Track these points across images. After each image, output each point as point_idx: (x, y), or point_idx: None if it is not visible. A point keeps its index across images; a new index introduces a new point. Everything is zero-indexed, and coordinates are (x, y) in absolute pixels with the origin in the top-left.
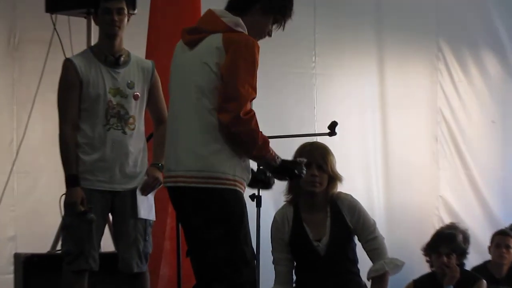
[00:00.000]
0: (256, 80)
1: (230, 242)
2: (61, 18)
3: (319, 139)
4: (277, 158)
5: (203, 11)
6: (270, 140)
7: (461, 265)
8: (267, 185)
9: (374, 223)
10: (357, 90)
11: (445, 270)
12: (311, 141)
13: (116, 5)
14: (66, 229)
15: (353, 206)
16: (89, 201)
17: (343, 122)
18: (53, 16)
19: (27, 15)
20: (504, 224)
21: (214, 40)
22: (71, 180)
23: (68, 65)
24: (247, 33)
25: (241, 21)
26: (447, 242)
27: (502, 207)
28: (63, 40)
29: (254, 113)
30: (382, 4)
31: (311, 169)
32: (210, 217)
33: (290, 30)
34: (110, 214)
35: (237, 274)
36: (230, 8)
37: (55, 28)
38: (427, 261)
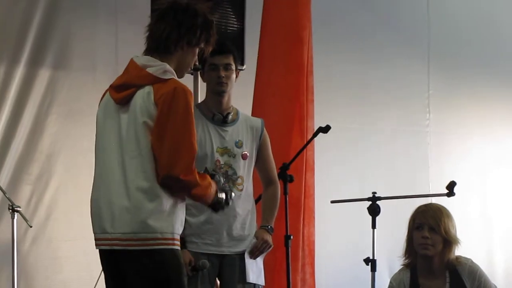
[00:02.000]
0: (194, 129)
1: None
2: None
3: (434, 200)
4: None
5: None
6: (383, 201)
7: None
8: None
9: (495, 287)
10: (476, 148)
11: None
12: (428, 202)
13: (223, 61)
14: None
15: (474, 271)
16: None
17: (461, 182)
18: None
19: None
20: None
21: (146, 96)
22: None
23: None
24: (175, 75)
25: (168, 66)
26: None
27: None
28: None
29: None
30: (500, 54)
31: (423, 231)
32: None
33: (403, 86)
34: (217, 279)
35: None
36: (152, 50)
37: None
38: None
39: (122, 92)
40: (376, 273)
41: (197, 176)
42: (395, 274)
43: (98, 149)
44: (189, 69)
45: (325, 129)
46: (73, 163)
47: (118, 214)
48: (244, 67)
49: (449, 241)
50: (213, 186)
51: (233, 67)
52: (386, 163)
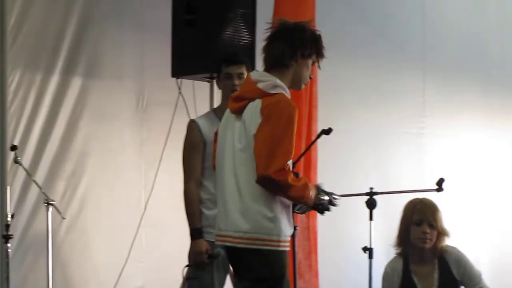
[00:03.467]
0: (293, 138)
1: None
2: (186, 82)
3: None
4: (312, 197)
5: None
6: (379, 195)
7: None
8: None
9: (480, 275)
10: (466, 150)
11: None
12: (421, 197)
13: (237, 70)
14: (190, 279)
15: (460, 259)
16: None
17: (452, 179)
18: (179, 80)
19: (155, 80)
20: None
21: (254, 108)
22: (196, 233)
23: (192, 126)
24: (287, 89)
25: (278, 81)
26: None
27: None
28: (188, 102)
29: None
30: (489, 63)
31: (423, 227)
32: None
33: (399, 92)
34: (231, 266)
35: None
36: (269, 67)
37: (180, 92)
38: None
39: (237, 103)
40: (373, 260)
41: (290, 177)
42: (389, 262)
43: (218, 154)
44: (307, 81)
45: (327, 132)
46: (103, 162)
47: (231, 214)
48: None
49: (442, 234)
50: (312, 188)
51: (245, 76)
52: (383, 161)
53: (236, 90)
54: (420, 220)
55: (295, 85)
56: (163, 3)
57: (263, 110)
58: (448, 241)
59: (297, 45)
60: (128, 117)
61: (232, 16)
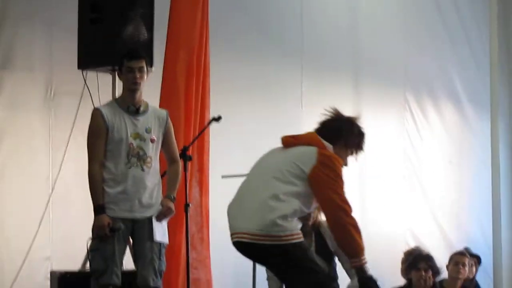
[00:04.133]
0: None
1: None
2: (91, 75)
3: None
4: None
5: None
6: None
7: (434, 283)
8: None
9: None
10: None
11: (421, 283)
12: None
13: (137, 65)
14: (94, 251)
15: None
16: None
17: None
18: (84, 72)
19: (62, 72)
20: (456, 247)
21: (309, 150)
22: (99, 209)
23: (96, 113)
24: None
25: (332, 148)
26: (426, 260)
27: (456, 234)
28: (92, 93)
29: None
30: (360, 58)
31: (312, 213)
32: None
33: (279, 84)
34: (130, 238)
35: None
36: (321, 134)
37: (85, 83)
38: (407, 279)
39: (292, 140)
40: None
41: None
42: None
43: (260, 164)
44: (345, 163)
45: (217, 119)
46: (15, 145)
47: (251, 215)
48: (153, 68)
49: (320, 210)
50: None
51: (145, 69)
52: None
53: (137, 82)
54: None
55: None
56: (70, 2)
57: (321, 158)
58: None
59: (345, 134)
60: (38, 106)
61: (132, 15)
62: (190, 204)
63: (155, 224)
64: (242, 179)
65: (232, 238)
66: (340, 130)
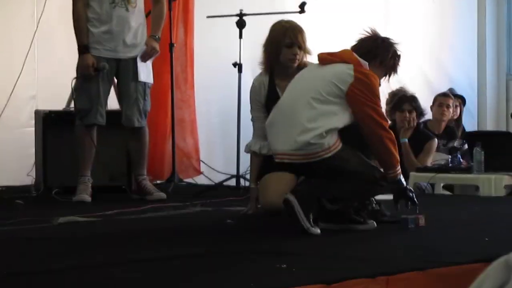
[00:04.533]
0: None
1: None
2: None
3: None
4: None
5: None
6: (249, 16)
7: (418, 124)
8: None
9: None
10: None
11: (405, 124)
12: (287, 20)
13: None
14: (78, 90)
15: None
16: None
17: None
18: None
19: None
20: (440, 90)
21: (345, 68)
22: (83, 48)
23: None
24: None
25: (368, 65)
26: (410, 101)
27: (439, 76)
28: None
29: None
30: None
31: (294, 49)
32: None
33: None
34: (115, 78)
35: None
36: (357, 54)
37: None
38: (391, 120)
39: (328, 56)
40: (242, 74)
41: None
42: (257, 76)
43: (294, 84)
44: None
45: None
46: None
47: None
48: None
49: (306, 53)
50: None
51: None
52: None
53: None
54: (291, 43)
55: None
56: None
57: (357, 75)
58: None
59: (381, 52)
60: None
61: None
62: (175, 44)
63: (140, 64)
64: (227, 19)
65: (275, 158)
66: (376, 48)
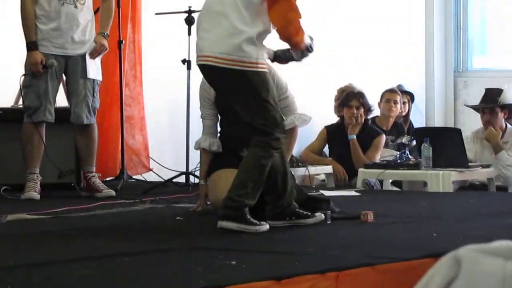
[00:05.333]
0: None
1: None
2: None
3: None
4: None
5: None
6: (196, 14)
7: (366, 120)
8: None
9: (286, 84)
10: None
11: (353, 120)
12: None
13: None
14: (26, 87)
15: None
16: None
17: None
18: None
19: None
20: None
21: None
22: (31, 45)
23: None
24: None
25: None
26: (357, 97)
27: (387, 72)
28: None
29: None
30: None
31: None
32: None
33: None
34: (64, 75)
35: (271, 132)
36: None
37: None
38: (339, 116)
39: None
40: (190, 71)
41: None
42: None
43: None
44: None
45: None
46: None
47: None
48: None
49: None
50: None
51: None
52: None
53: None
54: None
55: None
56: None
57: None
58: None
59: None
60: None
61: None
62: (124, 41)
63: (89, 61)
64: (176, 16)
65: (197, 61)
66: None
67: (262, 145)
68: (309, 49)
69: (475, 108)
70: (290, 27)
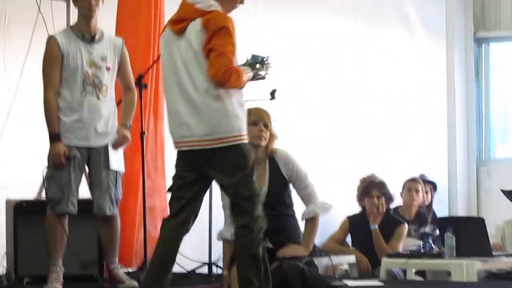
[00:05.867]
0: (234, 42)
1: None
2: (45, 1)
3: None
4: (248, 75)
5: None
6: None
7: (388, 210)
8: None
9: (306, 174)
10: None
11: (374, 211)
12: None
13: None
14: (49, 179)
15: (288, 159)
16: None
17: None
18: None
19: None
20: (409, 177)
21: (196, 25)
22: (54, 137)
23: (51, 40)
24: (220, 8)
25: (212, 1)
26: (378, 187)
27: (411, 162)
28: (46, 20)
29: (234, 67)
30: None
31: (259, 126)
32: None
33: None
34: (86, 167)
35: (253, 208)
36: None
37: (39, 10)
38: (360, 206)
39: (178, 25)
40: None
41: (232, 77)
42: None
43: (166, 72)
44: (236, 5)
45: None
46: None
47: (187, 120)
48: None
49: (273, 135)
50: (245, 72)
51: None
52: None
53: (93, 9)
54: (256, 120)
55: (225, 7)
56: None
57: (205, 25)
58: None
59: None
60: None
61: None
62: (146, 132)
63: (111, 152)
64: None
65: (178, 147)
66: None
67: (245, 233)
68: (256, 79)
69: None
70: (220, 78)
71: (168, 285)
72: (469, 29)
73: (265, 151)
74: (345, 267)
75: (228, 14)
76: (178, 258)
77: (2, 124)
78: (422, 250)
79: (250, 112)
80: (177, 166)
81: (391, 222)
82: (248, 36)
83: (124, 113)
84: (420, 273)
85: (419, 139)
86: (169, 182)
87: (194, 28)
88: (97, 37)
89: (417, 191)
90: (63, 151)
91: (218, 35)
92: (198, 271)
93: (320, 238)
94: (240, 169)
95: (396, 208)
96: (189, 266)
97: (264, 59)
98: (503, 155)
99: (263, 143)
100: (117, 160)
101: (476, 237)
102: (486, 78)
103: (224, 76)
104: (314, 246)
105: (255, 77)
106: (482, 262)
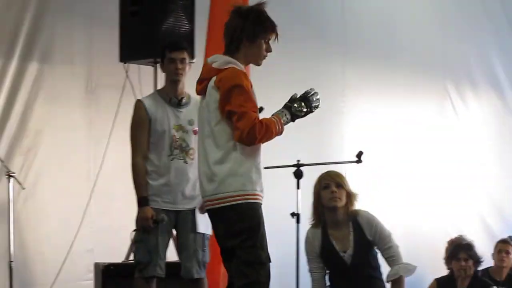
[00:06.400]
0: (251, 96)
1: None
2: (132, 67)
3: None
4: (284, 119)
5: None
6: (305, 167)
7: (476, 271)
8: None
9: (390, 234)
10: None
11: (461, 273)
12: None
13: (179, 56)
14: (137, 242)
15: (371, 220)
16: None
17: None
18: (126, 65)
19: (102, 64)
20: (499, 237)
21: (211, 84)
22: (143, 201)
23: (139, 105)
24: (241, 64)
25: (230, 58)
26: (465, 249)
27: (500, 224)
28: (134, 85)
29: (258, 121)
30: (397, 50)
31: (331, 188)
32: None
33: (320, 76)
34: (174, 230)
35: (254, 274)
36: (225, 52)
37: (127, 75)
38: (448, 269)
39: (200, 84)
40: (300, 225)
41: (258, 133)
42: (310, 228)
43: (198, 133)
44: (262, 57)
45: (260, 110)
46: (56, 139)
47: (202, 182)
48: (194, 60)
49: (350, 195)
50: (277, 122)
51: (187, 60)
52: (308, 137)
53: (179, 73)
54: (327, 184)
55: (250, 62)
56: None
57: (217, 84)
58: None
59: (240, 32)
60: (79, 99)
61: (173, 7)
62: None
63: (198, 215)
64: (283, 170)
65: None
66: (234, 30)
67: None
68: (300, 116)
69: None
70: (246, 140)
71: None
72: None
73: (345, 212)
74: None
75: (261, 66)
76: None
77: (89, 190)
78: None
79: (321, 177)
80: None
81: (479, 284)
82: None
83: None
84: None
85: (509, 197)
86: None
87: (210, 87)
88: (184, 100)
89: (507, 252)
90: (151, 214)
91: (233, 95)
92: None
93: None
94: (240, 233)
95: (487, 269)
96: None
97: (307, 94)
98: None
99: (339, 203)
100: (204, 223)
101: None
102: None
103: (249, 136)
104: None
105: (297, 116)
106: None
